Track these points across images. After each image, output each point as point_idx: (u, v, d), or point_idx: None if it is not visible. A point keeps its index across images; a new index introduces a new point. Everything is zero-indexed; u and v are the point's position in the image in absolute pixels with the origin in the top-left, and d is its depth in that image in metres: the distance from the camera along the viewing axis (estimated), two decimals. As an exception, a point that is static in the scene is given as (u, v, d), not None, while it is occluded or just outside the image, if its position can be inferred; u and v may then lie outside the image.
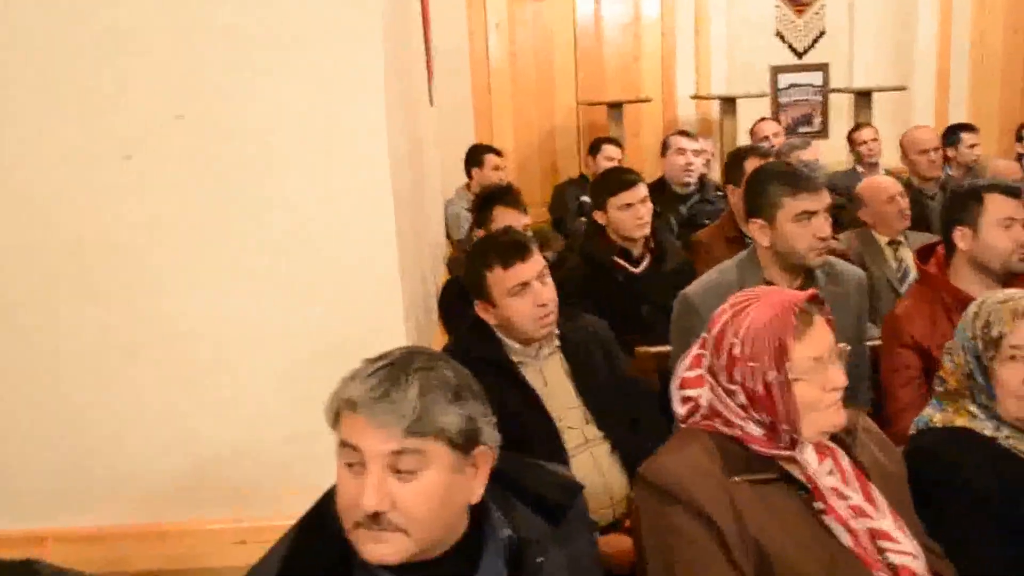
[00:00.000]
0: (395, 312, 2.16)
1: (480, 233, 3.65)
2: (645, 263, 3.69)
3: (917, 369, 2.82)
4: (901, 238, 4.14)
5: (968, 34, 7.11)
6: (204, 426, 2.15)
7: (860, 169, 5.88)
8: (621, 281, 3.64)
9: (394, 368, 1.44)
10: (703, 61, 6.95)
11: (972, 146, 5.87)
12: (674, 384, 1.90)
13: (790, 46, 7.24)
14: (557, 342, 2.66)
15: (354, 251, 2.11)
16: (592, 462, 2.54)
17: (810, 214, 2.67)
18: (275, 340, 2.12)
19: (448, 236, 5.37)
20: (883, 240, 4.15)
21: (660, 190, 5.06)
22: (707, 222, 4.78)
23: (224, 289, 2.09)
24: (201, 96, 2.01)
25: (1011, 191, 2.89)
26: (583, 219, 5.50)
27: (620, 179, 3.71)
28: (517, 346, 2.59)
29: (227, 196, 2.06)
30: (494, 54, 6.75)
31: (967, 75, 7.17)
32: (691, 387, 1.86)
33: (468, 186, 5.68)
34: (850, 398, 2.76)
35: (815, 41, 7.25)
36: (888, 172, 5.74)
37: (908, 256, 4.09)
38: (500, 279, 2.53)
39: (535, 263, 2.56)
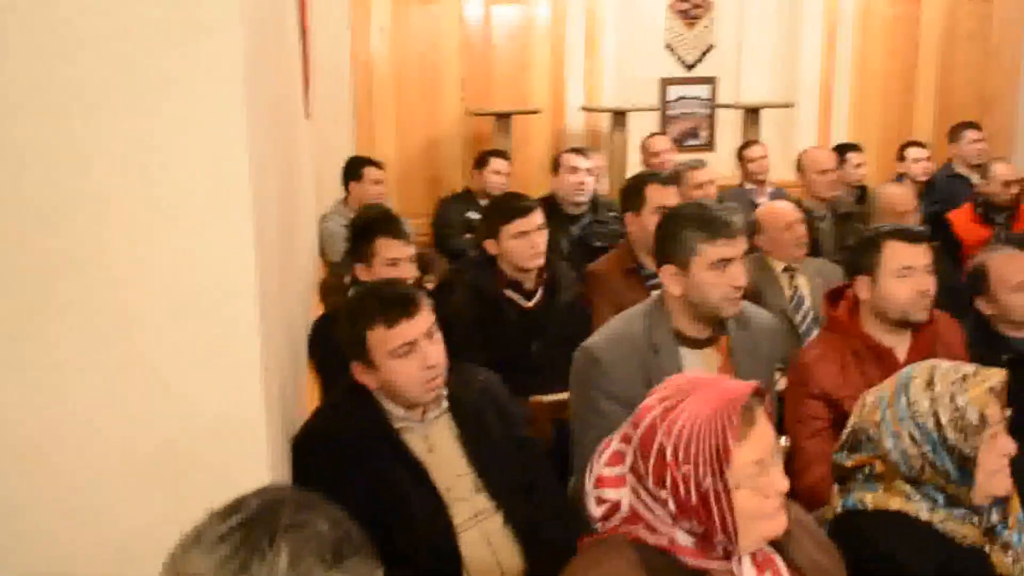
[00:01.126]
0: (255, 407, 1.75)
1: (360, 268, 3.31)
2: (538, 296, 3.42)
3: (826, 421, 2.63)
4: (796, 265, 3.98)
5: (850, 54, 7.07)
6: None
7: (748, 186, 5.74)
8: (512, 317, 3.35)
9: (253, 529, 1.07)
10: (594, 72, 6.71)
11: (858, 165, 5.81)
12: (589, 482, 1.61)
13: (679, 59, 7.07)
14: (445, 403, 2.34)
15: (209, 328, 1.67)
16: (483, 538, 2.24)
17: (727, 261, 2.43)
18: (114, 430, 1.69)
19: (321, 253, 5.00)
20: (778, 267, 3.97)
21: (550, 209, 4.77)
22: (599, 244, 4.56)
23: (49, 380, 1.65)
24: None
25: (912, 237, 2.73)
26: (469, 236, 5.22)
27: (514, 206, 3.42)
28: (400, 412, 2.27)
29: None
30: (378, 60, 6.35)
31: (849, 94, 7.13)
32: (610, 487, 1.58)
33: (346, 200, 5.31)
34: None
35: (704, 54, 7.09)
36: (779, 192, 5.63)
37: (803, 283, 3.96)
38: (383, 339, 2.19)
39: (423, 319, 2.23)
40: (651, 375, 2.43)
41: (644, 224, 3.58)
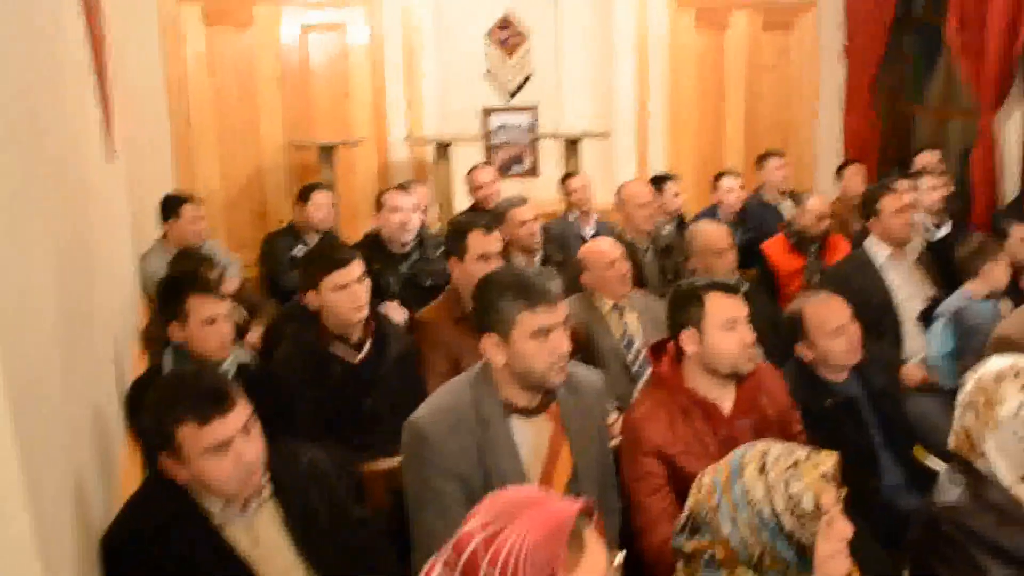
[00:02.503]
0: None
1: (174, 327, 3.01)
2: (366, 350, 3.20)
3: (662, 477, 2.56)
4: (624, 302, 3.91)
5: (663, 85, 7.13)
6: None
7: (572, 216, 5.68)
8: (340, 373, 3.13)
9: None
10: (415, 102, 6.51)
11: (676, 195, 5.85)
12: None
13: (500, 87, 6.99)
14: (269, 488, 2.11)
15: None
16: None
17: (548, 329, 2.29)
18: None
19: (144, 290, 4.62)
20: (606, 305, 3.90)
21: (376, 247, 4.57)
22: (430, 283, 4.38)
23: None
24: None
25: (731, 289, 2.69)
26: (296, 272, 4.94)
27: (332, 257, 3.20)
28: (218, 506, 2.02)
29: None
30: (195, 88, 5.96)
31: (664, 124, 7.19)
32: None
33: (165, 237, 4.93)
34: (602, 506, 2.45)
35: (524, 83, 7.04)
36: (604, 225, 5.59)
37: (632, 320, 3.90)
38: (194, 437, 1.95)
39: (238, 415, 1.99)
40: (483, 448, 2.32)
41: (468, 271, 3.45)
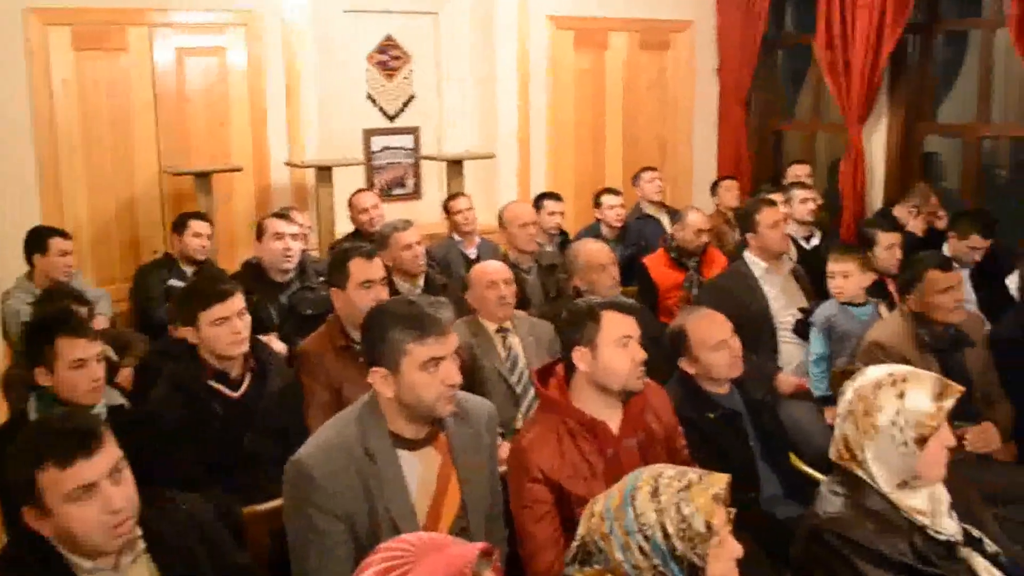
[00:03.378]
0: None
1: (40, 373, 2.85)
2: (246, 384, 3.08)
3: (549, 503, 2.53)
4: (508, 325, 3.88)
5: (544, 105, 7.15)
6: None
7: (457, 237, 5.64)
8: (220, 410, 3.00)
9: None
10: (295, 125, 6.36)
11: (552, 213, 5.87)
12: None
13: (381, 110, 6.91)
14: (142, 543, 1.99)
15: None
16: None
17: (438, 360, 2.23)
18: None
19: (5, 335, 4.37)
20: (491, 327, 3.86)
21: (257, 275, 4.44)
22: (310, 311, 4.26)
23: None
24: None
25: (626, 309, 2.72)
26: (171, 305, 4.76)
27: (211, 291, 3.06)
28: (87, 563, 1.90)
29: None
30: (62, 116, 5.66)
31: (546, 144, 7.21)
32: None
33: (31, 275, 4.69)
34: (488, 535, 2.41)
35: (405, 105, 6.98)
36: (488, 245, 5.57)
37: (516, 343, 3.87)
38: (55, 481, 1.83)
39: (105, 457, 1.88)
40: (369, 484, 2.25)
41: (350, 300, 3.37)
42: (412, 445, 2.31)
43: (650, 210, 6.51)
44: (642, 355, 2.64)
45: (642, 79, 7.53)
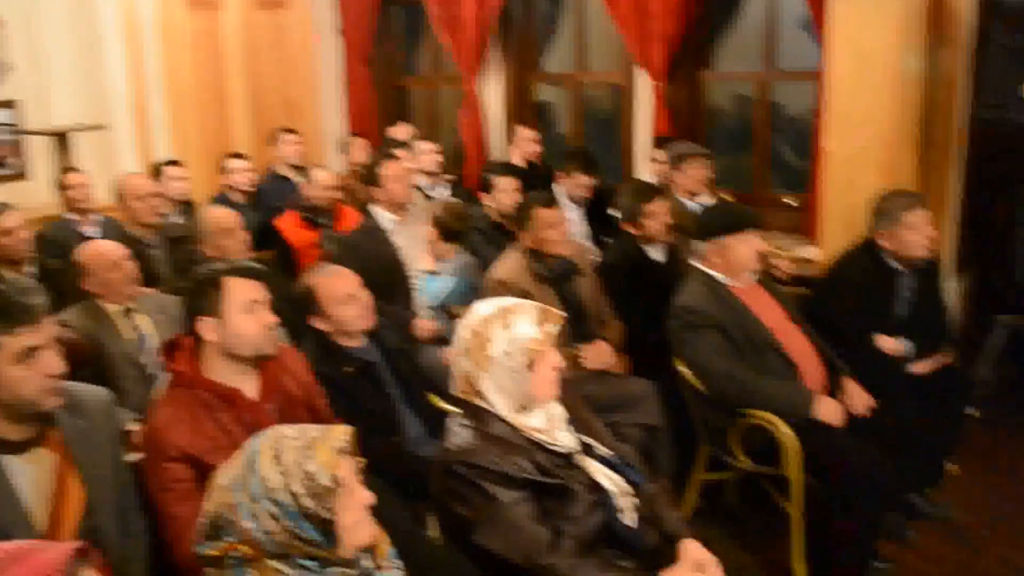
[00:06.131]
0: None
1: None
2: None
3: (191, 481, 2.41)
4: (133, 304, 3.64)
5: (159, 70, 6.70)
6: None
7: (72, 216, 5.17)
8: None
9: None
10: None
11: (176, 180, 5.58)
12: None
13: (-25, 84, 6.16)
14: None
15: None
16: None
17: (34, 350, 2.04)
18: None
19: None
20: (114, 309, 3.59)
21: None
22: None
23: None
24: None
25: (249, 272, 2.63)
26: None
27: None
28: None
29: None
30: None
31: (165, 111, 6.76)
32: None
33: None
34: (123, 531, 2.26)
35: (1, 78, 6.25)
36: (109, 221, 5.17)
37: (145, 323, 3.64)
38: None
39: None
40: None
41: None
42: (18, 448, 2.10)
43: (285, 171, 6.38)
44: (272, 318, 2.59)
45: (262, 39, 7.27)
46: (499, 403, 2.30)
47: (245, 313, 2.53)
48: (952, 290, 4.75)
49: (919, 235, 3.69)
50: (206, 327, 2.52)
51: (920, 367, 3.76)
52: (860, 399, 3.42)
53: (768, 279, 3.79)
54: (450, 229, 4.31)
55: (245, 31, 7.16)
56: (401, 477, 2.69)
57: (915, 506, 3.81)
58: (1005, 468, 4.28)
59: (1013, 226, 4.55)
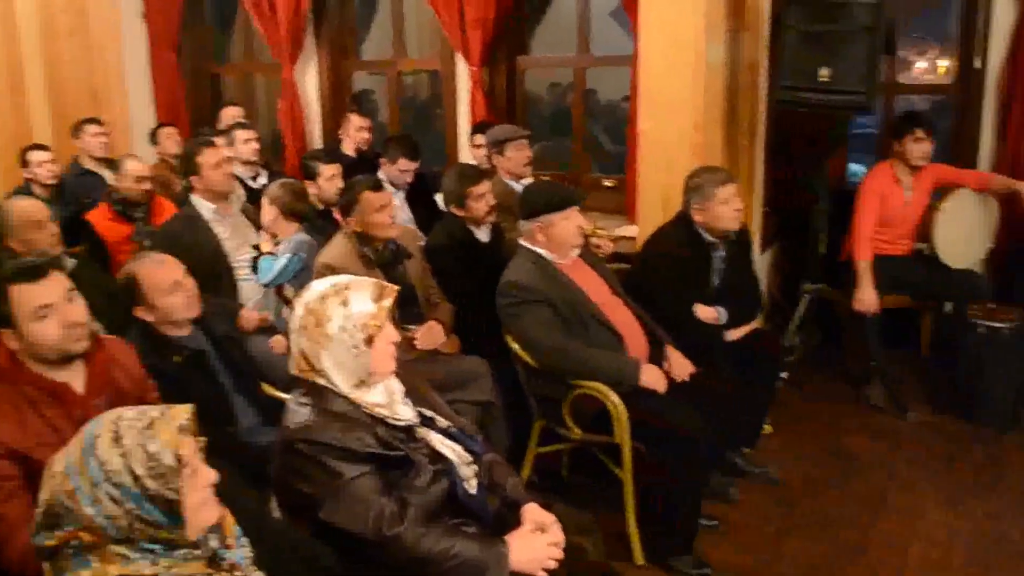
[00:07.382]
0: None
1: None
2: None
3: (17, 479, 2.33)
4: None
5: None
6: None
7: None
8: None
9: None
10: None
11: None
12: None
13: None
14: None
15: None
16: None
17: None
18: None
19: None
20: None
21: None
22: None
23: None
24: None
25: (35, 273, 2.46)
26: None
27: None
28: None
29: None
30: None
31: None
32: None
33: None
34: None
35: None
36: None
37: None
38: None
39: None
40: None
41: None
42: None
43: (91, 165, 6.12)
44: (73, 315, 2.48)
45: (61, 25, 6.90)
46: (339, 380, 2.32)
47: (36, 321, 2.42)
48: (762, 262, 5.10)
49: (730, 208, 3.95)
50: (6, 336, 2.44)
51: (735, 334, 4.04)
52: (682, 366, 3.65)
53: (591, 254, 3.97)
54: (292, 208, 4.26)
55: (43, 14, 6.76)
56: (239, 464, 2.67)
57: (737, 466, 4.09)
58: (810, 427, 4.65)
59: (813, 201, 4.92)
